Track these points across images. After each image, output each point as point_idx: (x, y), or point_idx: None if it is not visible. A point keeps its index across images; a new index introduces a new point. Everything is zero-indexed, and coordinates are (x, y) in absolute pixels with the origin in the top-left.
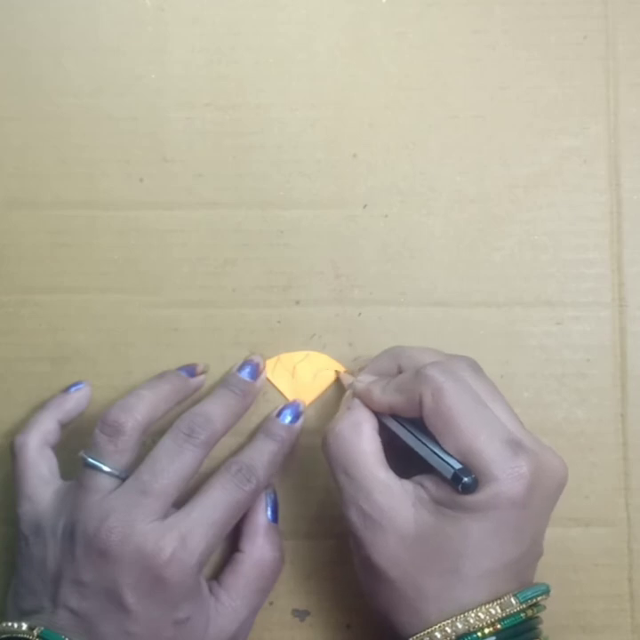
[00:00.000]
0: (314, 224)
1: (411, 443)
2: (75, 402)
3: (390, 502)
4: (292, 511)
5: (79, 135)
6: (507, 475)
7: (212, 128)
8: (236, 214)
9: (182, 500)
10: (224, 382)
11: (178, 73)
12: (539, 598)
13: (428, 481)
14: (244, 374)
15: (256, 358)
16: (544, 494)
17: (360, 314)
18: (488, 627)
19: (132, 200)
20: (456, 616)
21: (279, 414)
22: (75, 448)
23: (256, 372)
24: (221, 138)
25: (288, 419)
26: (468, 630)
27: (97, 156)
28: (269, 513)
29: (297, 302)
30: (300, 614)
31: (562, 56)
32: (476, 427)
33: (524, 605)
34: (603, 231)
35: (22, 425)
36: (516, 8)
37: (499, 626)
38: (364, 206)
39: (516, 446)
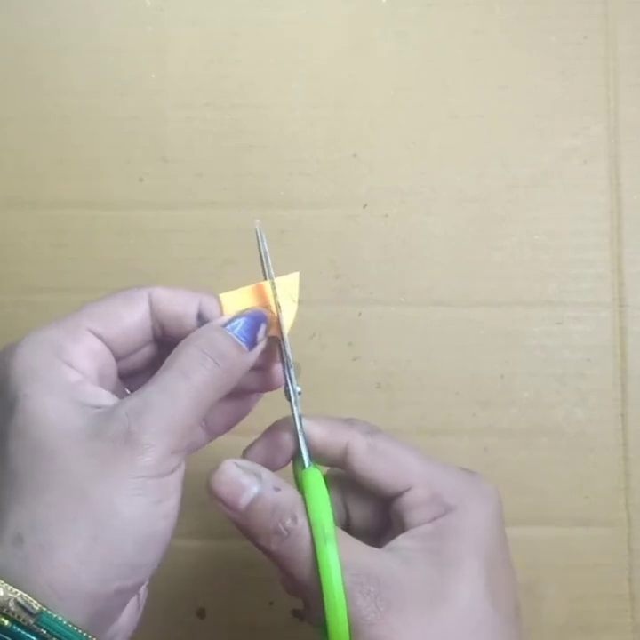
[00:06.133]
0: (314, 224)
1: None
2: None
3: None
4: None
5: (79, 135)
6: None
7: (212, 128)
8: (236, 214)
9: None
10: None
11: (178, 73)
12: None
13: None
14: (236, 331)
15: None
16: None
17: (360, 314)
18: None
19: (132, 200)
20: None
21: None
22: None
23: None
24: (221, 138)
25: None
26: None
27: (97, 155)
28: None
29: (297, 302)
30: (300, 614)
31: (562, 56)
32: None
33: None
34: (603, 231)
35: None
36: (516, 8)
37: None
38: (364, 206)
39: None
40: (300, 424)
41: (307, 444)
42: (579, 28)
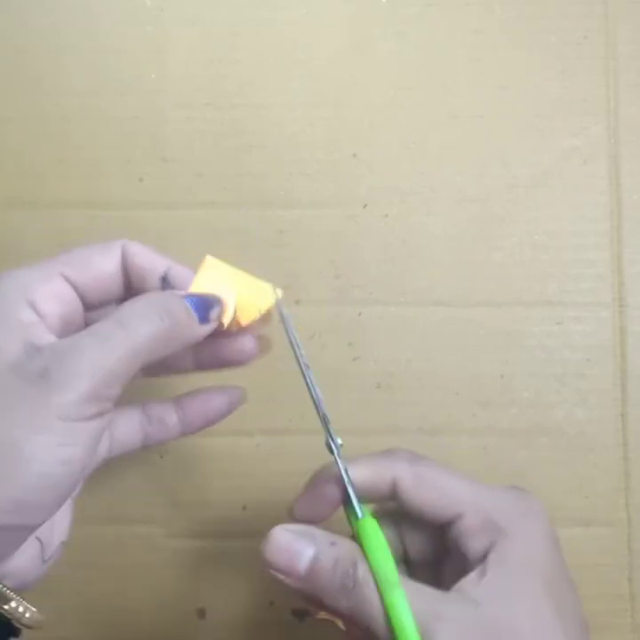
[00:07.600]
0: (314, 224)
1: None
2: None
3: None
4: None
5: (79, 135)
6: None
7: (212, 128)
8: (236, 214)
9: None
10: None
11: (178, 73)
12: None
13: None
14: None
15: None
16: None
17: (360, 314)
18: None
19: (132, 200)
20: None
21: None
22: None
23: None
24: (221, 138)
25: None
26: None
27: (97, 155)
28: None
29: (297, 302)
30: (300, 614)
31: (562, 56)
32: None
33: None
34: (603, 231)
35: None
36: (516, 8)
37: None
38: (364, 206)
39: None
40: (348, 477)
41: (356, 493)
42: (579, 28)
